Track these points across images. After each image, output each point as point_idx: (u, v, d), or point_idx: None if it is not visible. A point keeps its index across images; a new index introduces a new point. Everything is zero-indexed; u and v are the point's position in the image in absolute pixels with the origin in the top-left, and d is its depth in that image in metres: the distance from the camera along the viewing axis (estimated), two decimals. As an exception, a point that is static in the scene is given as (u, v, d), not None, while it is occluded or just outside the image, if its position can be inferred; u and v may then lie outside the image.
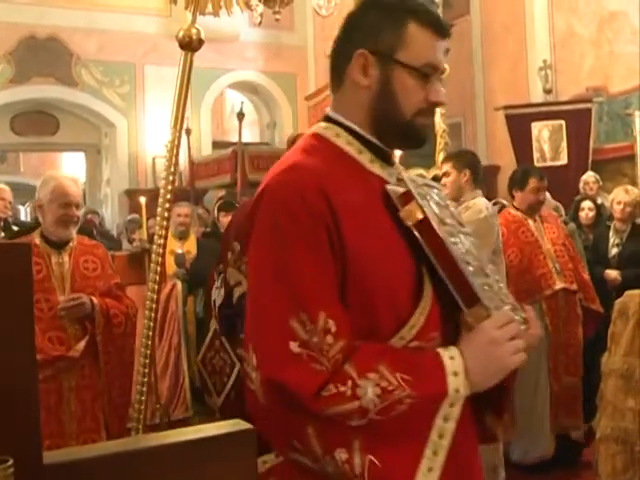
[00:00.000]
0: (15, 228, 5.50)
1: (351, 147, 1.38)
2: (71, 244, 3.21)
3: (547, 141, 8.38)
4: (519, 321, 1.35)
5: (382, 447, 1.21)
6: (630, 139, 7.65)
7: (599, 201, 6.51)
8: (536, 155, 8.32)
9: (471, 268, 1.32)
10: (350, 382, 1.19)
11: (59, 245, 3.16)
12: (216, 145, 11.36)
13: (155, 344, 3.99)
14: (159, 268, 3.01)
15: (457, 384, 1.23)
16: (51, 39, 10.40)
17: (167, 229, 3.04)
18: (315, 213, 1.24)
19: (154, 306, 2.92)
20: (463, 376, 1.24)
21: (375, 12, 1.36)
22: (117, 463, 1.00)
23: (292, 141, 2.82)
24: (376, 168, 1.38)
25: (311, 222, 1.24)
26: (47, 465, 0.95)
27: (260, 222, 1.30)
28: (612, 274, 5.17)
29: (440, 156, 5.34)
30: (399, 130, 1.37)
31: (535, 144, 8.38)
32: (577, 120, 8.16)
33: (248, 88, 12.23)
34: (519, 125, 8.34)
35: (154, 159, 10.80)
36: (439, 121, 7.40)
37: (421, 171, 5.33)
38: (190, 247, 6.04)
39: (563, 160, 8.26)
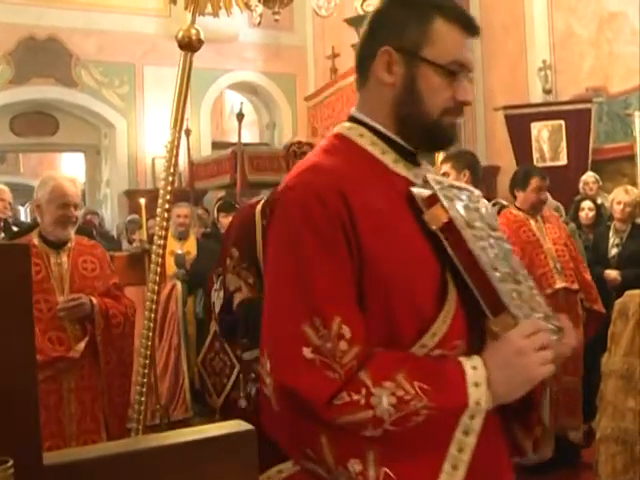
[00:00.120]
0: (15, 229, 5.49)
1: (375, 147, 1.33)
2: (69, 244, 3.21)
3: (547, 141, 8.38)
4: (552, 330, 1.29)
5: (398, 460, 1.17)
6: (630, 139, 7.64)
7: (599, 201, 6.52)
8: (536, 155, 8.31)
9: (498, 274, 1.26)
10: (364, 390, 1.15)
11: (57, 245, 3.16)
12: (215, 146, 11.35)
13: (155, 345, 3.99)
14: (159, 269, 3.01)
15: (478, 396, 1.18)
16: (50, 40, 10.40)
17: (167, 230, 3.04)
18: (332, 214, 1.21)
19: (154, 307, 2.92)
20: (485, 387, 1.18)
21: (400, 8, 1.33)
22: (117, 464, 1.00)
23: (288, 148, 2.81)
24: (400, 169, 1.34)
25: (327, 224, 1.20)
26: (47, 466, 0.95)
27: (276, 224, 1.27)
28: (612, 274, 5.18)
29: (439, 156, 5.34)
30: (424, 130, 1.32)
31: (535, 144, 8.38)
32: (577, 120, 8.15)
33: (247, 89, 12.22)
34: (519, 125, 8.34)
35: (154, 160, 10.80)
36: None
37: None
38: (190, 248, 6.04)
39: (563, 160, 8.26)
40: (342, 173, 1.26)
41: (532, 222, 4.51)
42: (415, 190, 1.29)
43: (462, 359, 1.21)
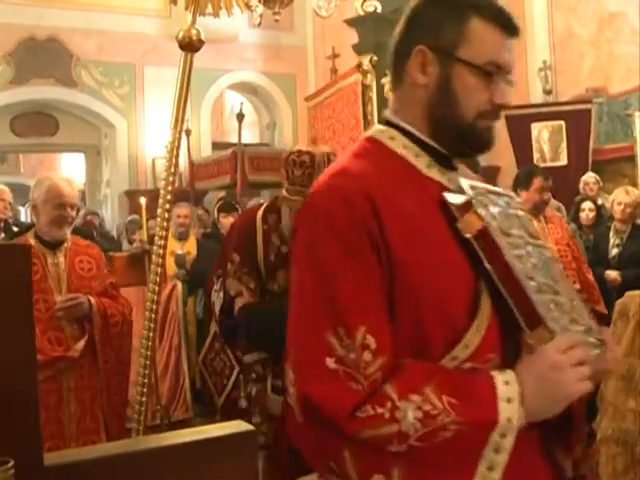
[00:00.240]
0: (15, 229, 5.49)
1: (407, 151, 1.29)
2: (66, 244, 3.21)
3: (547, 142, 8.38)
4: (592, 344, 1.23)
5: (425, 477, 1.12)
6: (630, 140, 7.64)
7: (599, 202, 6.52)
8: (536, 156, 8.31)
9: (534, 284, 1.21)
10: (389, 403, 1.10)
11: (53, 245, 3.16)
12: (216, 146, 11.35)
13: (155, 345, 3.99)
14: (159, 269, 3.01)
15: (510, 412, 1.12)
16: (50, 40, 10.39)
17: (167, 230, 3.03)
18: (358, 220, 1.16)
19: (154, 307, 2.92)
20: (518, 404, 1.12)
21: (435, 6, 1.28)
22: (118, 465, 1.00)
23: (287, 157, 2.81)
24: (434, 173, 1.29)
25: (353, 230, 1.16)
26: (48, 466, 0.95)
27: (301, 231, 1.24)
28: (612, 275, 5.17)
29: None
30: (459, 133, 1.28)
31: (535, 145, 8.38)
32: (577, 121, 8.15)
33: (248, 89, 12.22)
34: (519, 126, 8.33)
35: (154, 160, 10.79)
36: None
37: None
38: (190, 248, 6.04)
39: (563, 161, 8.26)
40: (371, 177, 1.22)
41: (535, 222, 4.51)
42: (448, 196, 1.24)
43: (494, 373, 1.16)
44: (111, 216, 11.24)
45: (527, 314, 1.18)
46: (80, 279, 3.18)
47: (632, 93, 7.95)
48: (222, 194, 9.21)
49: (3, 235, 4.89)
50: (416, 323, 1.17)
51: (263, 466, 2.67)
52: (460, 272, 1.20)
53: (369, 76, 7.21)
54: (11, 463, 0.82)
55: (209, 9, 3.06)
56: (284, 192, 2.85)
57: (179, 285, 5.86)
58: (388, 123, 1.34)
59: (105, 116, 10.93)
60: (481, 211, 1.22)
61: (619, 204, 5.46)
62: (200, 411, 5.58)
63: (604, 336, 1.28)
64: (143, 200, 5.19)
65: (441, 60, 1.26)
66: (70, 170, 14.62)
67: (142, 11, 10.83)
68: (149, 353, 2.99)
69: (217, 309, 3.08)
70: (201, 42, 2.93)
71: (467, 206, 1.22)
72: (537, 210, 4.50)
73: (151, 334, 2.99)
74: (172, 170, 3.00)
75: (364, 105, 7.30)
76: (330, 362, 1.13)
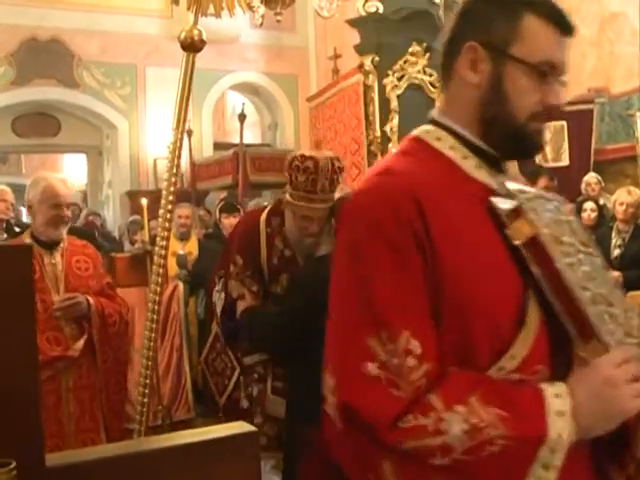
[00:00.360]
0: (17, 229, 5.49)
1: (454, 152, 1.24)
2: (62, 244, 3.21)
3: (549, 142, 8.36)
4: None
5: None
6: (632, 140, 7.64)
7: (601, 202, 6.51)
8: (538, 156, 8.31)
9: (588, 294, 1.15)
10: (433, 414, 1.05)
11: (50, 245, 3.16)
12: (217, 146, 11.36)
13: (157, 345, 3.98)
14: (161, 270, 3.01)
15: (560, 427, 1.06)
16: (52, 41, 10.40)
17: (169, 231, 3.03)
18: (403, 220, 1.12)
19: (156, 308, 2.92)
20: (570, 419, 1.07)
21: (487, 1, 1.23)
22: (120, 466, 1.00)
23: (290, 162, 2.81)
24: (482, 175, 1.24)
25: (397, 231, 1.11)
26: (50, 467, 0.95)
27: (343, 231, 1.20)
28: (614, 275, 5.17)
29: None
30: (510, 134, 1.23)
31: (537, 145, 8.37)
32: (579, 121, 8.14)
33: (249, 89, 12.22)
34: (521, 126, 8.32)
35: (155, 160, 10.80)
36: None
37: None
38: (191, 248, 6.05)
39: (565, 161, 8.25)
40: (417, 178, 1.17)
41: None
42: (496, 200, 1.19)
43: (544, 385, 1.11)
44: (113, 217, 11.24)
45: (580, 326, 1.13)
46: (77, 279, 3.18)
47: (634, 93, 7.94)
48: (224, 194, 9.21)
49: (5, 236, 4.89)
50: (461, 329, 1.12)
51: None
52: (508, 280, 1.15)
53: (371, 76, 7.21)
54: (13, 464, 0.82)
55: (211, 9, 3.06)
56: (288, 197, 2.84)
57: (180, 285, 5.86)
58: (435, 123, 1.29)
59: (107, 117, 10.93)
60: (532, 217, 1.16)
61: (621, 204, 5.45)
62: (202, 411, 5.58)
63: None
64: (144, 201, 5.19)
65: (493, 57, 1.21)
66: (72, 171, 14.64)
67: (144, 12, 10.83)
68: (151, 354, 2.99)
69: (218, 310, 3.09)
70: (203, 42, 2.93)
71: (517, 212, 1.17)
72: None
73: (153, 335, 2.99)
74: (174, 171, 2.99)
75: (366, 105, 7.31)
76: (371, 367, 1.08)
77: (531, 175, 4.56)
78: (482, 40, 1.21)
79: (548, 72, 1.21)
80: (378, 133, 7.18)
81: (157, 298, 2.99)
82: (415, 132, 1.31)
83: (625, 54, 8.06)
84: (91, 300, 3.14)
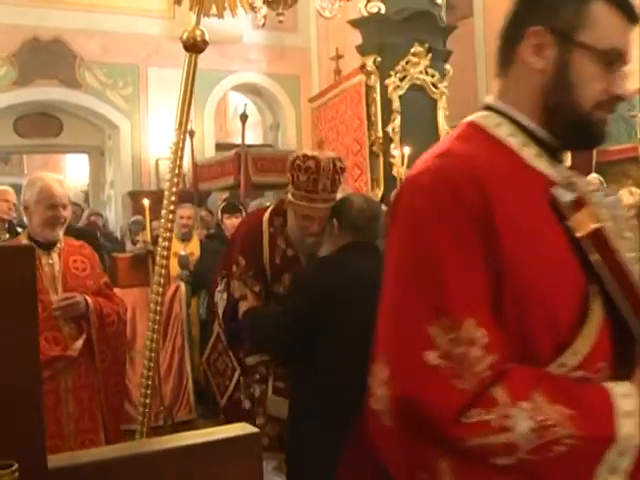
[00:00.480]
0: (19, 230, 5.50)
1: (514, 139, 1.19)
2: (59, 245, 3.21)
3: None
4: None
5: None
6: (634, 141, 7.63)
7: (603, 203, 6.50)
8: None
9: None
10: (498, 409, 0.99)
11: (46, 246, 3.16)
12: (219, 147, 11.37)
13: (159, 346, 3.98)
14: (163, 270, 3.01)
15: (630, 428, 1.00)
16: (54, 41, 10.41)
17: (172, 231, 3.03)
18: (466, 204, 1.06)
19: (159, 309, 2.91)
20: (639, 420, 1.01)
21: None
22: (122, 467, 1.00)
23: (292, 162, 2.81)
24: (542, 165, 1.19)
25: (461, 215, 1.06)
26: (52, 469, 0.95)
27: (401, 215, 1.14)
28: None
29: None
30: (574, 123, 1.18)
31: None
32: (581, 122, 8.14)
33: (251, 90, 12.23)
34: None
35: (157, 161, 10.81)
36: (442, 123, 7.39)
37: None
38: (193, 249, 6.04)
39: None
40: (477, 162, 1.12)
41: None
42: (557, 191, 1.15)
43: (610, 384, 1.05)
44: (115, 217, 11.26)
45: None
46: (75, 278, 3.18)
47: (637, 94, 7.93)
48: (226, 195, 9.22)
49: (7, 236, 4.89)
50: (521, 323, 1.07)
51: None
52: (569, 273, 1.10)
53: (373, 77, 7.21)
54: (15, 466, 0.82)
55: (213, 10, 3.05)
56: (289, 196, 2.84)
57: (182, 286, 5.86)
58: (491, 109, 1.24)
59: (109, 117, 10.95)
60: (594, 209, 1.12)
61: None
62: (203, 412, 5.58)
63: None
64: (146, 201, 5.19)
65: (559, 43, 1.16)
66: (74, 171, 14.66)
67: (146, 12, 10.84)
68: (153, 354, 2.98)
69: (220, 310, 3.09)
70: (205, 43, 2.93)
71: (579, 203, 1.13)
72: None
73: (155, 335, 2.99)
74: (177, 171, 2.99)
75: (368, 106, 7.31)
76: (432, 357, 1.01)
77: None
78: (548, 25, 1.16)
79: (615, 60, 1.17)
80: (380, 134, 7.18)
81: (160, 299, 2.99)
82: (471, 117, 1.26)
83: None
84: (89, 300, 3.13)
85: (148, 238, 5.33)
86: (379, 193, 7.01)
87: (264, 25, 3.92)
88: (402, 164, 6.46)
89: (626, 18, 1.18)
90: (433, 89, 7.20)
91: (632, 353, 1.10)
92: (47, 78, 10.42)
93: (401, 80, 7.15)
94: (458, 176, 1.09)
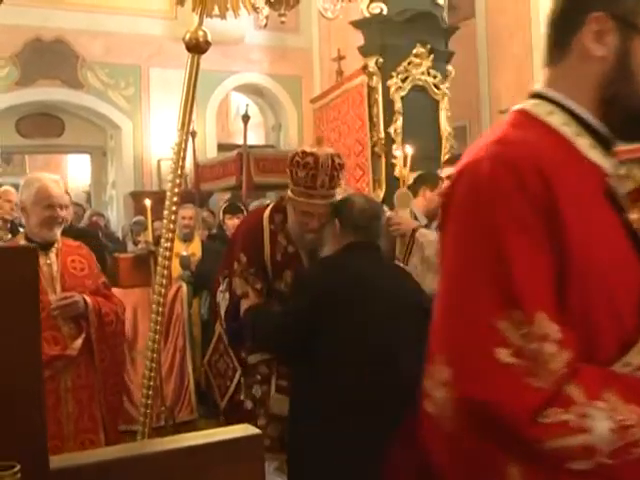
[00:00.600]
0: (22, 230, 5.50)
1: (567, 128, 1.14)
2: (57, 245, 3.21)
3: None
4: None
5: None
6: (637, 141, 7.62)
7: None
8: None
9: None
10: (575, 408, 0.93)
11: (44, 246, 3.16)
12: (221, 147, 11.37)
13: (160, 346, 3.98)
14: (165, 271, 3.01)
15: None
16: (57, 41, 10.41)
17: (174, 232, 3.03)
18: (530, 192, 1.01)
19: (161, 309, 2.91)
20: None
21: None
22: (123, 468, 1.00)
23: (292, 158, 2.82)
24: (596, 156, 1.14)
25: (525, 202, 1.01)
26: (53, 470, 0.95)
27: (458, 205, 1.08)
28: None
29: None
30: (631, 115, 1.13)
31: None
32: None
33: (253, 90, 12.23)
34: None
35: (159, 161, 10.81)
36: (444, 124, 7.39)
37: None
38: (195, 249, 6.04)
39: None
40: (538, 150, 1.07)
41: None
42: (614, 182, 1.11)
43: None
44: (116, 217, 11.27)
45: None
46: (73, 278, 3.19)
47: (638, 95, 7.94)
48: (227, 196, 9.22)
49: (10, 236, 4.89)
50: (586, 311, 1.01)
51: None
52: (630, 267, 1.06)
53: (375, 78, 7.20)
54: (17, 467, 0.81)
55: (216, 11, 3.05)
56: (289, 192, 2.86)
57: (184, 287, 5.85)
58: (542, 97, 1.19)
59: (111, 117, 10.95)
60: None
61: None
62: (205, 412, 5.58)
63: None
64: (148, 202, 5.19)
65: (621, 29, 1.11)
66: (76, 171, 14.68)
67: (148, 12, 10.85)
68: (154, 355, 2.98)
69: (222, 310, 3.09)
70: (208, 44, 2.93)
71: (638, 195, 1.12)
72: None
73: (157, 336, 2.99)
74: (179, 172, 2.99)
75: (370, 107, 7.30)
76: (504, 354, 0.95)
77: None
78: (610, 11, 1.11)
79: None
80: (382, 134, 7.17)
81: (161, 300, 2.99)
82: (522, 105, 1.21)
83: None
84: (88, 299, 3.14)
85: (150, 238, 5.34)
86: (381, 194, 7.00)
87: (266, 26, 3.93)
88: (404, 165, 6.45)
89: None
90: (435, 90, 7.19)
91: None
92: (49, 78, 10.43)
93: (403, 81, 7.13)
94: (520, 164, 1.04)
